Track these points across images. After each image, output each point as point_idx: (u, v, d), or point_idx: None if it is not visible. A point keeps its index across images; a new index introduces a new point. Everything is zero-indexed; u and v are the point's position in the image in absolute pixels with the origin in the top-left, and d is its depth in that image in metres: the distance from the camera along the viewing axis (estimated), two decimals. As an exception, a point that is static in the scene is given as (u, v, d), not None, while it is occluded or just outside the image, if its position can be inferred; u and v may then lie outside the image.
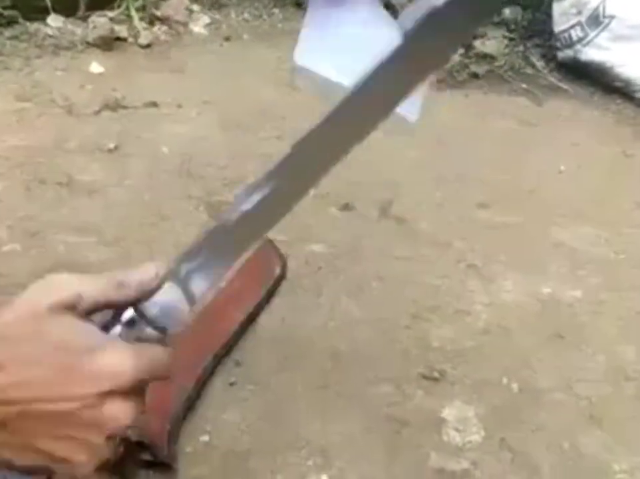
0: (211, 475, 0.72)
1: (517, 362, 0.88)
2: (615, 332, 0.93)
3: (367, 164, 1.22)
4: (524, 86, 1.58)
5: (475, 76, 1.60)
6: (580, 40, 1.59)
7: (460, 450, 0.77)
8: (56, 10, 1.61)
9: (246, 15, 1.78)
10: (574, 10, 1.59)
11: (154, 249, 1.00)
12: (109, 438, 0.52)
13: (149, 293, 0.54)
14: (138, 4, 1.68)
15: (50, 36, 1.57)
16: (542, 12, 1.75)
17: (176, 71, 1.50)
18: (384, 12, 0.69)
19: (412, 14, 0.56)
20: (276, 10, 1.81)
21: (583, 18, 1.58)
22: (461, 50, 1.66)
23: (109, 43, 1.56)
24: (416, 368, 0.86)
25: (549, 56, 1.68)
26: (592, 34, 1.58)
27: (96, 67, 1.48)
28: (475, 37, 1.70)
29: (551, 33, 1.67)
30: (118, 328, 0.54)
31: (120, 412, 0.51)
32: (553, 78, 1.61)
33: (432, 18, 0.51)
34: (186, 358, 0.81)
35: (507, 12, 1.77)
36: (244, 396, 0.81)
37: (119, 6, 1.67)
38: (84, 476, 0.54)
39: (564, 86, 1.59)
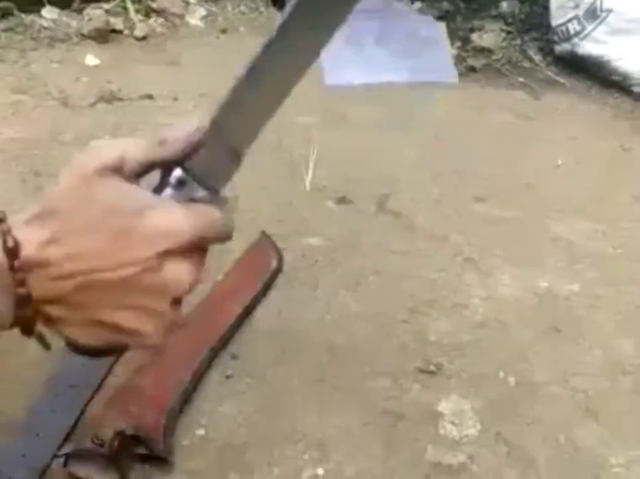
0: (208, 468, 0.72)
1: (514, 355, 0.88)
2: (612, 327, 0.93)
3: (364, 158, 1.22)
4: (521, 79, 1.58)
5: (472, 69, 1.60)
6: (577, 33, 1.59)
7: (456, 443, 0.77)
8: (51, 2, 1.60)
9: (242, 8, 1.77)
10: (571, 4, 1.59)
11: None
12: (174, 302, 0.51)
13: (193, 148, 0.51)
14: (134, -4, 1.67)
15: (46, 28, 1.56)
16: (539, 6, 1.74)
17: (172, 63, 1.50)
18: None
19: None
20: (273, 3, 1.81)
21: (580, 12, 1.58)
22: (458, 44, 1.66)
23: (104, 35, 1.55)
24: (413, 362, 0.86)
25: (547, 50, 1.67)
26: (589, 28, 1.57)
27: (91, 59, 1.47)
28: (472, 30, 1.70)
29: (548, 27, 1.67)
30: (167, 191, 0.52)
31: (181, 273, 0.50)
32: (550, 72, 1.61)
33: None
34: (183, 350, 0.81)
35: (504, 5, 1.77)
36: (240, 389, 0.81)
37: (115, -2, 1.66)
38: (154, 346, 0.52)
39: (561, 79, 1.58)
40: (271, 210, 1.06)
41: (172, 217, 0.49)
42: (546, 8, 1.67)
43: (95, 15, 1.57)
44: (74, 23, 1.58)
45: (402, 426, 0.78)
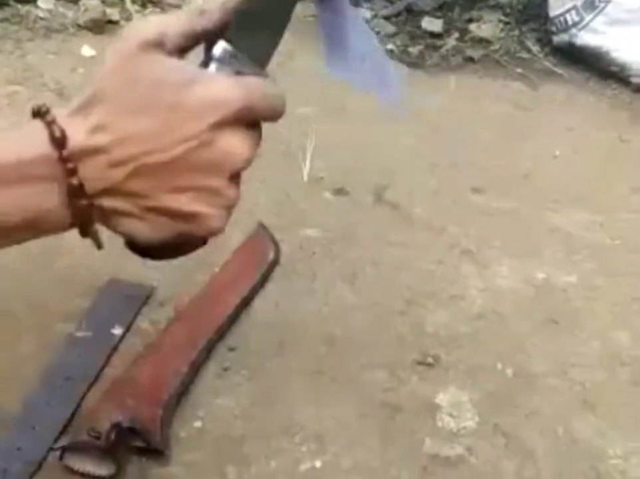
0: (205, 461, 0.72)
1: (512, 347, 0.88)
2: (610, 318, 0.93)
3: (361, 149, 1.22)
4: (519, 70, 1.57)
5: (470, 60, 1.59)
6: (575, 24, 1.58)
7: (454, 435, 0.77)
8: (47, -7, 1.59)
9: (239, -2, 1.76)
10: (570, -6, 1.58)
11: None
12: (231, 178, 0.49)
13: (234, 13, 0.50)
14: (130, -14, 1.66)
15: (42, 19, 1.55)
16: (538, -4, 1.74)
17: (169, 54, 1.49)
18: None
19: None
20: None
21: (578, 2, 1.57)
22: (456, 35, 1.65)
23: (101, 26, 1.54)
24: (411, 354, 0.85)
25: (545, 41, 1.67)
26: (588, 19, 1.57)
27: (87, 50, 1.46)
28: (470, 21, 1.69)
29: (546, 17, 1.66)
30: (213, 65, 0.50)
31: (236, 145, 0.48)
32: (548, 63, 1.60)
33: None
34: (180, 342, 0.81)
35: (503, -5, 1.76)
36: (238, 381, 0.81)
37: (111, -11, 1.65)
38: (219, 231, 0.50)
39: (559, 70, 1.58)
40: (268, 201, 1.06)
41: (221, 87, 0.47)
42: (544, -2, 1.67)
43: (91, 6, 1.56)
44: (70, 14, 1.57)
45: (400, 418, 0.78)
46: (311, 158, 1.14)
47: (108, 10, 1.58)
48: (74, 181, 0.46)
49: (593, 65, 1.57)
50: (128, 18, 1.59)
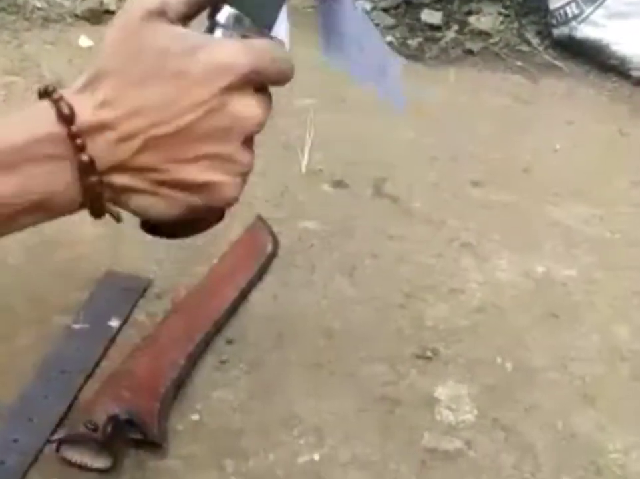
0: (202, 454, 0.72)
1: (511, 341, 0.87)
2: (610, 312, 0.93)
3: (360, 141, 1.21)
4: (519, 63, 1.56)
5: (469, 52, 1.58)
6: (575, 17, 1.58)
7: (453, 429, 0.77)
8: (44, -18, 1.58)
9: (238, -11, 1.75)
10: (570, -13, 1.58)
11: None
12: (244, 143, 0.48)
13: None
14: (128, -24, 1.65)
15: (39, 9, 1.54)
16: (538, -11, 1.73)
17: (167, 45, 1.48)
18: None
19: None
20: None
21: (578, -5, 1.57)
22: (455, 27, 1.64)
23: (98, 16, 1.53)
24: (410, 348, 0.85)
25: (545, 34, 1.66)
26: (588, 11, 1.56)
27: (85, 41, 1.45)
28: (470, 13, 1.68)
29: (546, 10, 1.65)
30: (218, 31, 0.49)
31: (247, 108, 0.47)
32: (548, 56, 1.59)
33: None
34: (177, 335, 0.80)
35: (502, -12, 1.75)
36: (236, 374, 0.80)
37: (108, -21, 1.63)
38: (234, 200, 0.49)
39: (559, 63, 1.57)
40: (267, 194, 1.05)
41: (228, 51, 0.46)
42: (544, -9, 1.66)
43: (88, -4, 1.55)
44: (67, 3, 1.56)
45: (399, 411, 0.78)
46: (309, 150, 1.14)
47: (106, 0, 1.57)
48: (85, 157, 0.45)
49: (593, 58, 1.56)
50: (126, 9, 1.58)
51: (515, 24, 1.69)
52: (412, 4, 1.70)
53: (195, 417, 0.75)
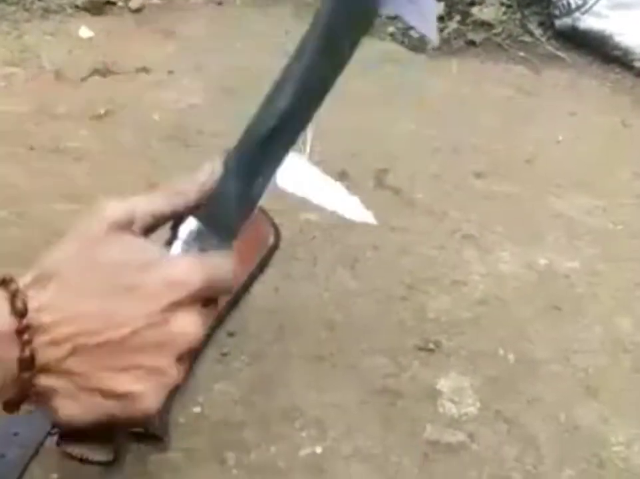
0: (204, 447, 0.71)
1: (514, 333, 0.87)
2: (613, 304, 0.92)
3: (362, 133, 1.21)
4: (522, 54, 1.55)
5: (472, 43, 1.57)
6: (579, 7, 1.57)
7: (455, 421, 0.77)
8: (44, -27, 1.57)
9: (239, -20, 1.74)
10: (573, -23, 1.57)
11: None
12: (180, 358, 0.48)
13: (207, 196, 0.50)
14: (129, -33, 1.64)
15: (39, 0, 1.53)
16: (540, -21, 1.72)
17: (168, 36, 1.47)
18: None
19: None
20: (269, -25, 1.78)
21: (582, -14, 1.56)
22: (458, 18, 1.64)
23: (99, 7, 1.52)
24: (412, 340, 0.85)
25: (547, 24, 1.65)
26: (591, 2, 1.55)
27: (85, 32, 1.44)
28: (472, 4, 1.67)
29: (549, 1, 1.64)
30: (179, 243, 0.50)
31: (188, 326, 0.47)
32: (551, 47, 1.59)
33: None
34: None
35: (505, -22, 1.74)
36: (237, 366, 0.80)
37: (109, -31, 1.62)
38: (152, 411, 0.48)
39: (562, 54, 1.56)
40: (268, 185, 1.05)
41: (179, 270, 0.47)
42: (547, -19, 1.65)
43: (89, -14, 1.55)
44: (67, -5, 1.55)
45: (401, 404, 0.78)
46: (311, 141, 1.13)
47: (106, -9, 1.56)
48: (27, 353, 0.45)
49: (596, 49, 1.55)
50: (126, 0, 1.57)
51: (518, 15, 1.68)
52: (414, -5, 1.69)
53: (197, 409, 0.75)
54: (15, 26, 1.45)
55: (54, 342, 0.46)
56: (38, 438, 0.69)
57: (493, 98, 1.38)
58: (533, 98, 1.40)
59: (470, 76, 1.46)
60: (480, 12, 1.65)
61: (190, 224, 0.50)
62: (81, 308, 0.46)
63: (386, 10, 0.62)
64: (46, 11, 1.51)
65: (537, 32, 1.64)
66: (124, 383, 0.47)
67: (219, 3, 1.65)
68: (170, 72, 1.34)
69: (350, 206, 0.59)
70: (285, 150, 0.55)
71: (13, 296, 0.46)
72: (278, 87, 0.53)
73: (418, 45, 1.54)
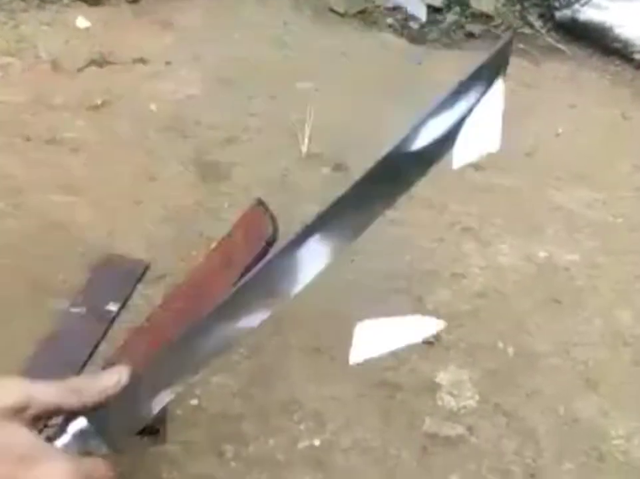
0: (202, 439, 0.71)
1: (513, 326, 0.87)
2: (613, 296, 0.92)
3: (360, 125, 1.20)
4: (522, 46, 1.54)
5: (471, 35, 1.57)
6: (578, -1, 1.56)
7: (454, 414, 0.76)
8: (41, -37, 1.56)
9: (237, -30, 1.73)
10: (573, -31, 1.56)
11: (141, 209, 0.98)
12: None
13: (108, 401, 0.50)
14: (126, -43, 1.63)
15: (35, -10, 1.52)
16: (540, -29, 1.71)
17: (165, 27, 1.46)
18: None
19: None
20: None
21: (582, -23, 1.55)
22: (456, 9, 1.63)
23: (96, -3, 1.51)
24: (411, 332, 0.84)
25: (547, 16, 1.64)
26: (591, -6, 1.55)
27: (82, 22, 1.43)
28: (471, -5, 1.66)
29: (549, -8, 1.64)
30: (65, 439, 0.50)
31: None
32: (551, 39, 1.58)
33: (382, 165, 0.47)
34: (176, 322, 0.79)
35: (504, -30, 1.73)
36: (235, 359, 0.79)
37: (106, -40, 1.61)
38: None
39: (562, 46, 1.55)
40: (267, 177, 1.04)
41: (53, 473, 0.47)
42: (547, -27, 1.64)
43: (86, -23, 1.53)
44: (64, -16, 1.54)
45: (400, 397, 0.77)
46: (309, 133, 1.13)
47: (103, -18, 1.55)
48: None
49: (596, 41, 1.55)
50: (124, -10, 1.56)
51: (518, 7, 1.67)
52: (413, -14, 1.68)
53: (195, 402, 0.74)
54: (12, 16, 1.43)
55: None
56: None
57: (492, 90, 1.37)
58: (533, 91, 1.39)
59: (469, 68, 1.45)
60: (479, 4, 1.64)
61: (80, 422, 0.50)
62: None
63: None
64: (43, 1, 1.49)
65: (537, 24, 1.63)
66: None
67: (217, -6, 1.64)
68: (167, 62, 1.33)
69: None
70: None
71: None
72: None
73: (417, 37, 1.54)
